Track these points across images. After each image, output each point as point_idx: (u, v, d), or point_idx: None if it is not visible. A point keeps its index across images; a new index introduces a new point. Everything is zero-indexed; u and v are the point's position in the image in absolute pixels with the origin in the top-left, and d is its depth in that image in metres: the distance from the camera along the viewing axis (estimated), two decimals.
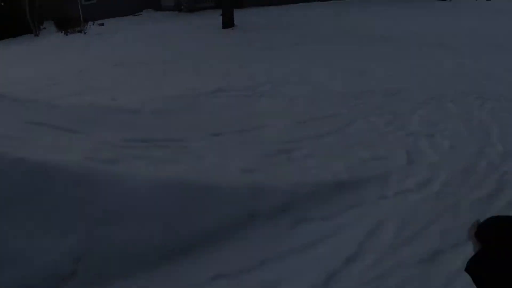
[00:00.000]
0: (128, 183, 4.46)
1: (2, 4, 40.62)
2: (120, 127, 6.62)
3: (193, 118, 7.71)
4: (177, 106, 8.36)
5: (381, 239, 4.50)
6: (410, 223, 4.72)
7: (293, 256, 4.21)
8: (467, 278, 1.93)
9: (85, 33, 27.04)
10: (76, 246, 4.01)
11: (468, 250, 2.06)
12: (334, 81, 10.49)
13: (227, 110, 8.38)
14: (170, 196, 4.46)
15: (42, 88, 11.51)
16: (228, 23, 21.28)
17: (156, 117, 7.47)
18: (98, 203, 4.22)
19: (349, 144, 6.71)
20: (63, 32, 29.15)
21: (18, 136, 5.18)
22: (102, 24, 29.75)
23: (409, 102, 8.69)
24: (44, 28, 37.49)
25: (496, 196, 5.27)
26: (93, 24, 29.57)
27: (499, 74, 10.95)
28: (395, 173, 5.78)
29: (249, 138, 6.82)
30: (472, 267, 1.90)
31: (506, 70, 11.28)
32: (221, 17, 21.71)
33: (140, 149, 5.66)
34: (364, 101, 8.86)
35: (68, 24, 29.04)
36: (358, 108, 8.43)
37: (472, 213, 4.78)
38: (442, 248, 4.32)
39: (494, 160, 6.19)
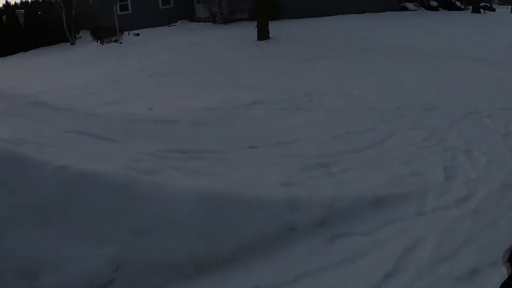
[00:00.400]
0: (168, 193, 4.48)
1: (39, 13, 41.34)
2: (158, 138, 6.67)
3: (229, 130, 7.74)
4: (213, 117, 8.40)
5: (419, 255, 4.45)
6: (448, 240, 4.66)
7: (332, 271, 4.19)
8: None
9: (120, 43, 27.41)
10: (115, 255, 4.04)
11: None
12: (369, 95, 10.45)
13: (263, 122, 8.40)
14: (209, 208, 4.47)
15: (78, 97, 11.68)
16: (263, 35, 21.37)
17: (193, 128, 7.51)
18: (138, 212, 4.25)
19: (387, 159, 6.66)
20: (98, 41, 29.57)
21: (58, 144, 5.25)
22: (138, 34, 30.10)
23: (445, 116, 8.60)
24: (80, 37, 38.08)
25: None
26: (128, 34, 29.90)
27: None
28: (432, 189, 5.72)
29: (286, 151, 6.82)
30: None
31: None
32: (256, 28, 21.77)
33: (178, 160, 5.69)
34: (400, 115, 8.80)
35: (104, 33, 29.42)
36: (394, 123, 8.37)
37: (511, 231, 4.73)
38: (480, 266, 4.26)
39: None
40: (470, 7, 39.41)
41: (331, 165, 6.38)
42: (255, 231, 4.47)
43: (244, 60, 16.57)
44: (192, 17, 37.75)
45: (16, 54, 39.35)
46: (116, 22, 32.24)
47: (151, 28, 33.51)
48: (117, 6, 35.30)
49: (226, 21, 31.13)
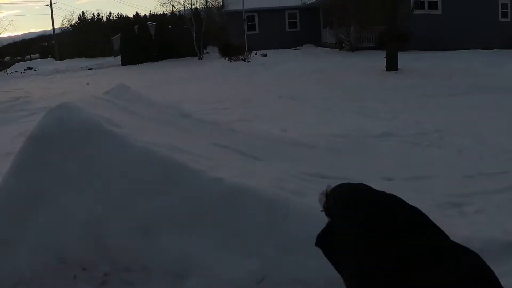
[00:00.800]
0: (313, 215, 4.62)
1: (170, 27, 43.04)
2: (298, 160, 6.85)
3: (364, 159, 7.81)
4: (346, 145, 8.49)
5: None
6: None
7: None
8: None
9: (248, 61, 28.02)
10: (261, 267, 4.23)
11: None
12: (501, 136, 10.21)
13: (396, 155, 8.41)
14: None
15: (212, 111, 12.09)
16: (392, 65, 21.25)
17: (329, 154, 7.64)
18: (286, 230, 4.41)
19: None
20: (226, 58, 30.38)
21: (209, 156, 5.53)
22: (265, 55, 30.67)
23: None
24: (207, 52, 39.43)
25: None
26: (255, 54, 30.52)
27: None
28: None
29: (420, 186, 6.81)
30: (320, 241, 1.95)
31: None
32: (384, 58, 21.68)
33: (318, 184, 5.82)
34: None
35: (232, 51, 30.18)
36: None
37: None
38: None
39: None
40: None
41: (465, 205, 6.31)
42: None
43: (372, 89, 16.57)
44: (317, 42, 38.12)
45: (144, 64, 41.12)
46: (246, 40, 32.95)
47: (276, 49, 34.04)
48: (246, 25, 36.10)
49: (353, 48, 31.16)
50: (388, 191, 5.37)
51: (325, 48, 34.64)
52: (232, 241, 4.38)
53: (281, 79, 20.14)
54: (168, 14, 51.40)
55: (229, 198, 4.54)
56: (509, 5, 34.45)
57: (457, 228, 5.53)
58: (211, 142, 6.36)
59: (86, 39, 70.50)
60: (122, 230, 4.55)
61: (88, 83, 29.82)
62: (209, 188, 4.57)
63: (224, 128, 7.66)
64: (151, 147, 4.93)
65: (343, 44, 32.41)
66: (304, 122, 10.98)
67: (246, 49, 30.66)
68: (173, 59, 40.92)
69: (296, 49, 35.92)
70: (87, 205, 4.69)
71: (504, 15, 34.60)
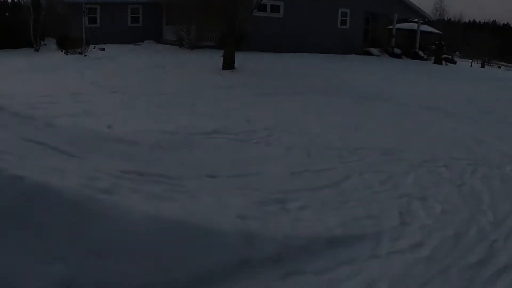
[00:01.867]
0: (124, 216, 4.39)
1: (7, 14, 40.77)
2: (117, 157, 6.58)
3: (189, 157, 7.67)
4: (173, 143, 8.32)
5: None
6: (400, 285, 4.69)
7: None
8: None
9: (85, 55, 27.13)
10: (67, 274, 3.92)
11: None
12: (329, 135, 10.53)
13: (223, 152, 8.38)
14: (165, 234, 4.40)
15: (38, 105, 11.51)
16: (228, 64, 21.44)
17: (152, 151, 7.44)
18: (92, 233, 4.14)
19: (343, 200, 6.69)
20: (63, 51, 29.24)
21: (16, 152, 5.13)
22: (103, 49, 29.85)
23: (403, 163, 8.72)
24: (45, 44, 37.63)
25: (485, 263, 5.26)
26: (94, 48, 29.65)
27: (491, 142, 11.11)
28: (387, 233, 5.76)
29: (244, 183, 6.78)
30: None
31: (497, 138, 11.45)
32: (221, 57, 21.85)
33: (136, 182, 5.61)
34: (359, 157, 8.89)
35: (70, 44, 29.11)
36: (353, 164, 8.44)
37: (462, 278, 4.85)
38: None
39: (484, 227, 6.19)
40: (433, 57, 40.34)
41: (289, 201, 6.37)
42: (209, 263, 4.40)
43: (207, 87, 16.56)
44: (159, 39, 37.71)
45: None
46: (84, 34, 31.97)
47: (117, 44, 33.27)
48: (86, 18, 34.99)
49: (193, 46, 31.12)
50: (210, 187, 5.27)
51: (166, 45, 34.36)
52: (33, 246, 4.00)
53: (117, 74, 19.62)
54: (8, 0, 48.74)
55: (30, 198, 4.16)
56: (348, 13, 36.26)
57: (281, 224, 5.55)
58: (22, 138, 5.92)
59: None
60: None
61: None
62: (9, 188, 4.15)
63: (41, 123, 7.20)
64: None
65: (184, 42, 32.28)
66: (133, 119, 10.69)
67: (84, 42, 29.70)
68: (8, 49, 38.75)
69: (136, 44, 35.29)
70: None
71: (343, 22, 36.34)
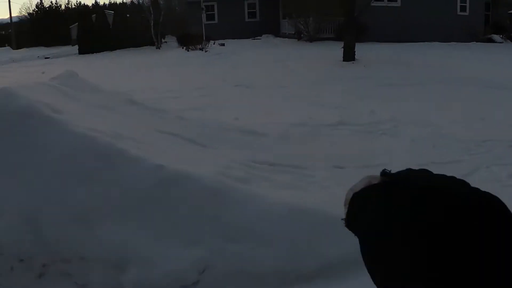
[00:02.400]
0: (259, 204, 4.46)
1: (128, 15, 42.53)
2: (247, 148, 6.69)
3: (315, 147, 7.70)
4: (299, 133, 8.40)
5: None
6: None
7: None
8: None
9: (206, 51, 27.75)
10: (203, 257, 4.06)
11: None
12: (454, 125, 10.20)
13: (348, 143, 8.34)
14: (298, 223, 4.43)
15: (163, 99, 11.89)
16: (349, 56, 21.22)
17: (280, 143, 7.51)
18: (229, 219, 4.25)
19: None
20: (184, 48, 30.08)
21: (154, 143, 5.34)
22: (223, 45, 30.44)
23: None
24: (166, 42, 38.98)
25: None
26: (213, 43, 30.27)
27: None
28: None
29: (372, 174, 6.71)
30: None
31: None
32: (341, 49, 21.64)
33: (267, 172, 5.69)
34: (486, 149, 8.55)
35: (190, 41, 29.87)
36: (480, 157, 8.13)
37: None
38: None
39: None
40: None
41: None
42: (343, 252, 4.38)
43: (328, 79, 16.51)
44: (277, 32, 37.99)
45: (102, 53, 40.58)
46: (203, 30, 32.67)
47: (235, 39, 33.82)
48: (204, 15, 35.82)
49: (312, 39, 31.06)
50: (339, 178, 5.18)
51: (284, 39, 34.57)
52: (173, 231, 4.20)
53: (238, 68, 19.96)
54: (127, 2, 50.94)
55: (170, 185, 4.37)
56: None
57: None
58: (157, 129, 6.17)
59: (44, 27, 69.35)
60: (60, 220, 4.31)
61: (43, 72, 29.17)
62: (150, 175, 4.39)
63: (172, 116, 7.48)
64: (91, 133, 4.73)
65: (302, 35, 32.30)
66: (258, 111, 10.82)
67: (204, 38, 30.39)
68: (131, 48, 40.41)
69: (255, 39, 35.75)
70: (24, 194, 4.46)
71: (463, 9, 35.03)
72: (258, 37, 36.59)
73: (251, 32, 37.45)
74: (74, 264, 4.27)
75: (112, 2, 72.50)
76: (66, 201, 4.36)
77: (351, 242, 3.32)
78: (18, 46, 73.87)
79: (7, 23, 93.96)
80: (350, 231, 1.05)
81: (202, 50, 28.01)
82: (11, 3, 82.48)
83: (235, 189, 4.56)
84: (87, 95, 6.54)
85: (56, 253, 4.28)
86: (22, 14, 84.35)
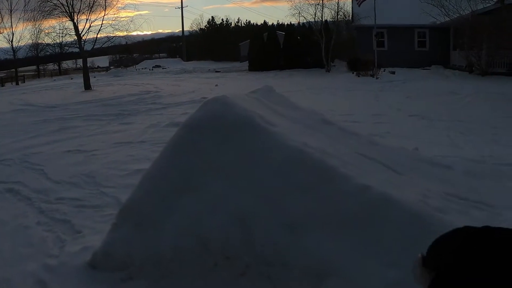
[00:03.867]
0: None
1: (298, 38, 43.53)
2: (435, 179, 6.83)
3: (499, 186, 7.65)
4: (481, 170, 8.35)
5: None
6: None
7: None
8: None
9: (377, 78, 27.84)
10: (399, 280, 4.17)
11: None
12: None
13: None
14: None
15: (343, 122, 12.17)
16: None
17: (466, 177, 7.55)
18: (426, 245, 4.42)
19: None
20: (354, 73, 30.36)
21: (355, 164, 5.65)
22: (393, 73, 30.38)
23: None
24: (334, 65, 39.50)
25: None
26: (383, 71, 30.28)
27: None
28: None
29: None
30: None
31: None
32: None
33: (460, 205, 5.81)
34: None
35: (361, 66, 30.08)
36: None
37: None
38: None
39: None
40: None
41: None
42: None
43: (508, 117, 15.98)
44: (446, 64, 37.28)
45: (272, 71, 41.85)
46: (376, 57, 32.72)
47: (404, 68, 33.60)
48: (375, 41, 35.91)
49: (484, 73, 30.10)
50: None
51: (454, 71, 33.77)
52: (374, 249, 4.43)
53: (410, 97, 19.94)
54: (296, 24, 52.13)
55: (376, 206, 4.60)
56: None
57: None
58: (355, 151, 6.45)
59: (213, 42, 72.41)
60: (269, 225, 4.72)
61: (216, 85, 30.69)
62: (357, 194, 4.67)
63: (364, 140, 7.69)
64: (305, 149, 5.11)
65: (473, 68, 31.38)
66: (435, 143, 10.88)
67: (375, 65, 30.46)
68: (300, 69, 41.39)
69: (424, 69, 35.34)
70: (237, 196, 4.92)
71: None
72: (427, 67, 36.14)
73: (419, 61, 37.06)
74: (276, 268, 4.63)
75: (280, 23, 74.39)
76: (278, 208, 4.76)
77: None
78: (188, 58, 77.89)
79: (178, 36, 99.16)
80: None
81: (373, 77, 28.14)
82: (183, 18, 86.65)
83: (434, 217, 4.75)
84: (287, 111, 6.95)
85: (261, 256, 4.69)
86: (193, 29, 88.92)
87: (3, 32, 53.64)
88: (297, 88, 23.39)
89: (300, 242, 4.61)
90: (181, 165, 5.33)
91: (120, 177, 9.60)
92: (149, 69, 66.61)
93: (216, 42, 72.30)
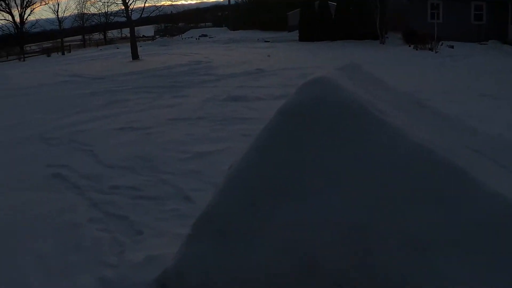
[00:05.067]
0: None
1: (351, 8, 42.61)
2: None
3: None
4: None
5: None
6: None
7: None
8: None
9: (436, 52, 26.98)
10: None
11: None
12: None
13: None
14: None
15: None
16: None
17: None
18: None
19: None
20: (411, 46, 29.52)
21: (475, 164, 4.87)
22: (452, 47, 29.43)
23: None
24: (387, 37, 38.54)
25: None
26: (441, 44, 29.37)
27: None
28: None
29: None
30: None
31: None
32: None
33: None
34: None
35: (417, 39, 29.25)
36: None
37: None
38: None
39: None
40: None
41: None
42: None
43: None
44: (503, 38, 35.93)
45: (323, 41, 41.19)
46: (435, 30, 31.72)
47: (459, 42, 32.56)
48: (430, 13, 34.90)
49: None
50: None
51: None
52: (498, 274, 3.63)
53: (475, 74, 19.02)
54: None
55: (506, 216, 3.78)
56: None
57: None
58: (465, 146, 5.55)
59: (260, 11, 71.76)
60: (390, 243, 3.82)
61: (269, 55, 30.15)
62: (492, 204, 3.85)
63: (459, 126, 6.58)
64: (428, 145, 4.19)
65: None
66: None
67: (435, 38, 29.53)
68: (352, 40, 40.71)
69: (481, 43, 34.15)
70: (351, 207, 3.97)
71: None
72: (484, 42, 34.91)
73: (475, 35, 35.84)
74: None
75: None
76: (398, 223, 3.87)
77: None
78: (234, 28, 77.45)
79: (223, 5, 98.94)
80: None
81: (432, 51, 27.29)
82: None
83: None
84: (383, 93, 5.80)
85: (383, 281, 3.78)
86: None
87: (48, 3, 54.26)
88: (354, 60, 22.61)
89: (429, 265, 3.72)
90: (280, 163, 4.30)
91: (180, 160, 8.88)
92: (196, 39, 66.38)
93: (263, 11, 71.58)
